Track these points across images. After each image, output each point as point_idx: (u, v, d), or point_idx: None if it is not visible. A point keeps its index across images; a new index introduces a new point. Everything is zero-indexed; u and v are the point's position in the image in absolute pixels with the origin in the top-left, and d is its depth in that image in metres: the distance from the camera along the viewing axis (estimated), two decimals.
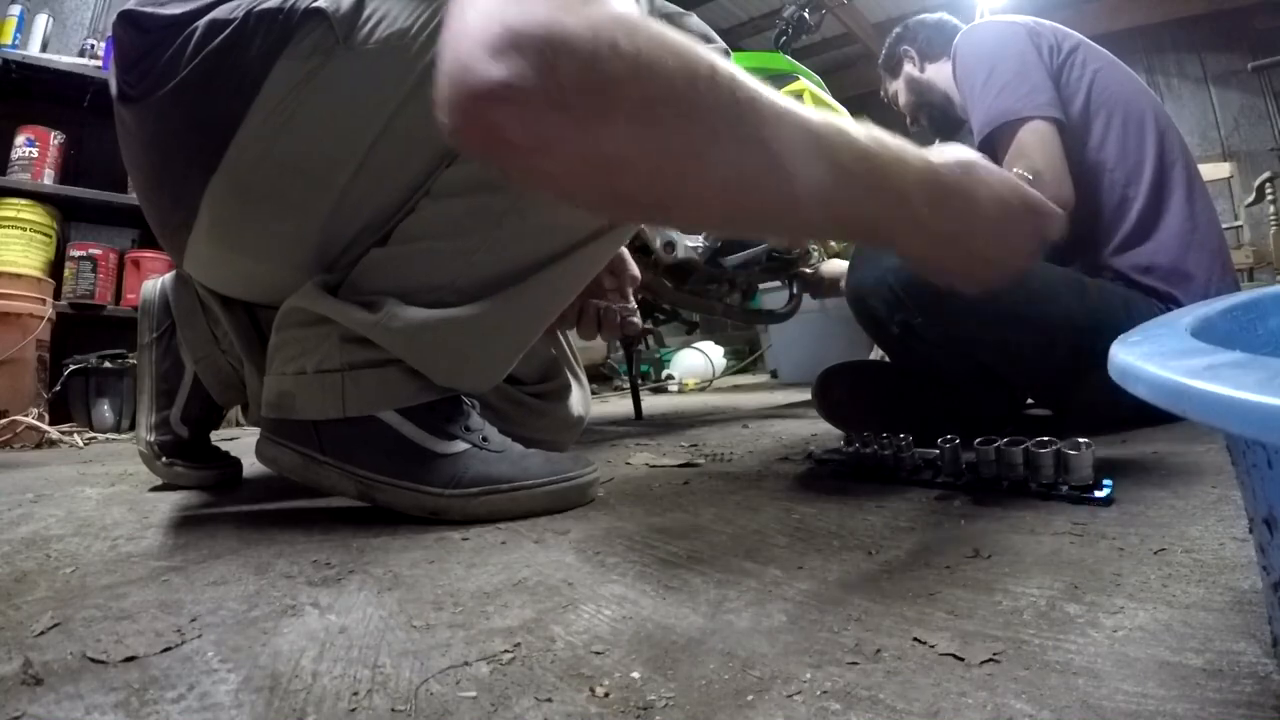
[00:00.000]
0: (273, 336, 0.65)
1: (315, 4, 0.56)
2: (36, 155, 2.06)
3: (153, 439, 0.82)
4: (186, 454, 0.83)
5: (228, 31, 0.57)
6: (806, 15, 2.01)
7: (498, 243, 0.61)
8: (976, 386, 0.92)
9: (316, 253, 0.65)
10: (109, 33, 2.55)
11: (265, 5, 0.56)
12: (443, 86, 0.41)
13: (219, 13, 0.58)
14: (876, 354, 1.14)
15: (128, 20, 0.61)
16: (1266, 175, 2.76)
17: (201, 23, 0.58)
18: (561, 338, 0.95)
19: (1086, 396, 0.87)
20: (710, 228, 0.54)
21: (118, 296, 2.19)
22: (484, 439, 0.65)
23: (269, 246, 0.65)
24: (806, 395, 1.01)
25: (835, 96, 1.88)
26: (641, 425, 1.48)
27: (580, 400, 0.96)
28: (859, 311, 0.93)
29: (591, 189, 0.44)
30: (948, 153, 0.50)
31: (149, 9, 0.60)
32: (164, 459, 0.82)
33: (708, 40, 0.67)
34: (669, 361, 3.38)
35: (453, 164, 0.61)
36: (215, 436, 0.90)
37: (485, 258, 0.61)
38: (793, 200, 0.46)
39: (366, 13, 0.57)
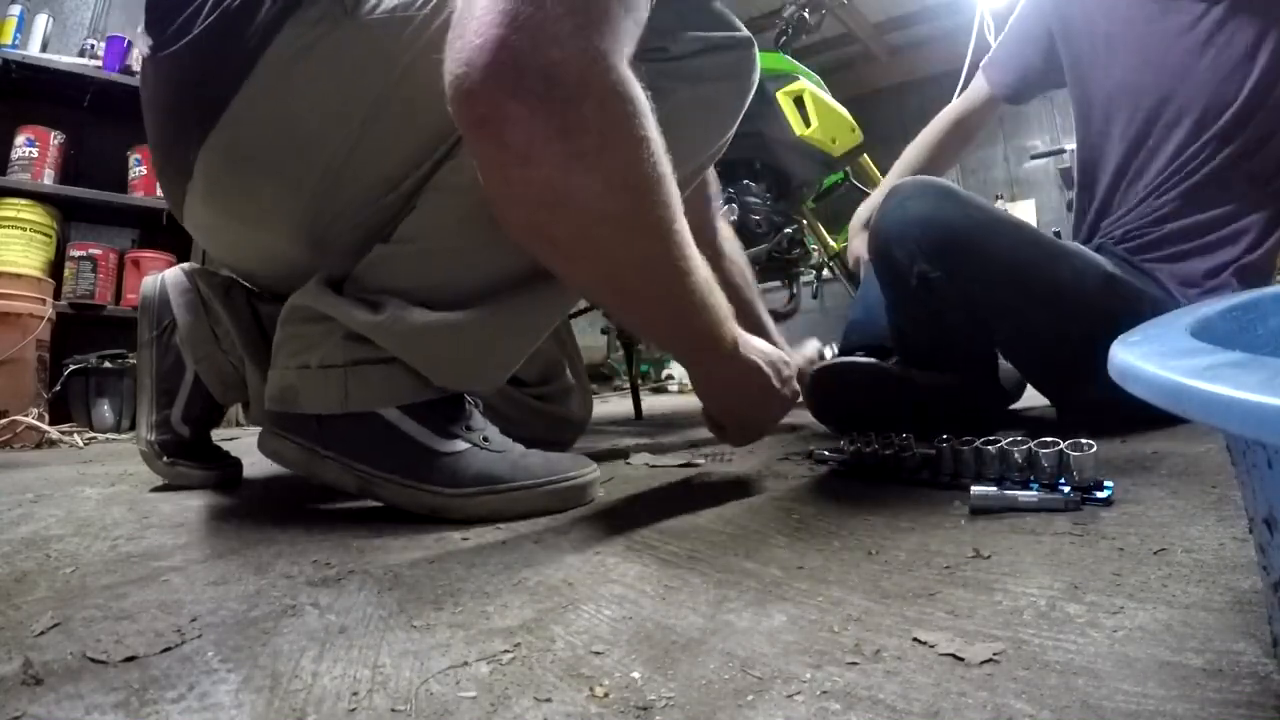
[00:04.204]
0: (277, 332, 0.66)
1: None
2: (36, 155, 2.06)
3: (153, 438, 0.82)
4: (187, 453, 0.83)
5: None
6: (806, 15, 2.01)
7: (504, 242, 0.59)
8: (975, 377, 0.91)
9: (306, 222, 0.65)
10: (109, 33, 2.55)
11: None
12: (447, 79, 0.44)
13: None
14: (831, 351, 1.12)
15: None
16: None
17: None
18: (566, 339, 0.95)
19: (1092, 395, 0.87)
20: (588, 283, 0.59)
21: (118, 296, 2.19)
22: (485, 438, 0.65)
23: (257, 212, 0.66)
24: None
25: (835, 96, 1.88)
26: (641, 425, 1.48)
27: (582, 402, 0.96)
28: (880, 257, 0.91)
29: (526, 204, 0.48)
30: (745, 336, 0.65)
31: None
32: (165, 458, 0.82)
33: (732, 28, 0.65)
34: (669, 361, 3.38)
35: (455, 155, 0.60)
36: (216, 436, 0.90)
37: (491, 256, 0.61)
38: (665, 298, 0.55)
39: None
